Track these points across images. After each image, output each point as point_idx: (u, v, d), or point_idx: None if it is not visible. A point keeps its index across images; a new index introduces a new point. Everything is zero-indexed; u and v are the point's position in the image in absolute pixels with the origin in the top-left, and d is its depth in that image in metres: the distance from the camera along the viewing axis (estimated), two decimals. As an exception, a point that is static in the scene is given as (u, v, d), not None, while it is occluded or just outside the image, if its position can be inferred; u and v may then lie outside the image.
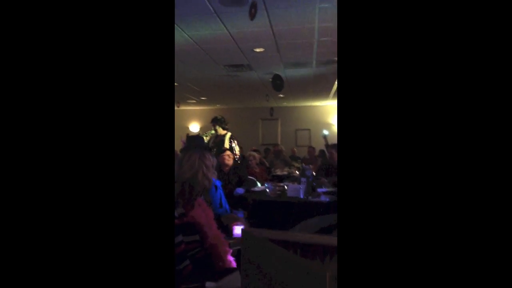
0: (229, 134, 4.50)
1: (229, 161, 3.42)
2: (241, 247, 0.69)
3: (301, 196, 2.73)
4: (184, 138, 1.81)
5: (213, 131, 4.61)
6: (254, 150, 5.31)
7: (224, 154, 3.42)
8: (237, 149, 4.36)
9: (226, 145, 4.27)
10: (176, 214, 1.29)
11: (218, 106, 10.32)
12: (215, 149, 4.21)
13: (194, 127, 10.72)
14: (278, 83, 4.81)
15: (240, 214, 2.59)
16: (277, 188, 2.94)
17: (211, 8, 2.97)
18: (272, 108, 8.69)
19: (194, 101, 9.15)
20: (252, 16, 2.45)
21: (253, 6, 2.43)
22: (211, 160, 1.45)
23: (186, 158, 1.41)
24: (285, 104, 9.62)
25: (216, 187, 2.57)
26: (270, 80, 5.39)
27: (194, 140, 1.50)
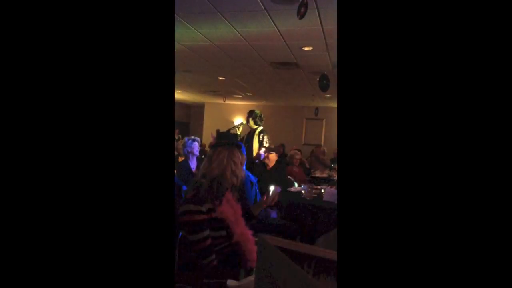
0: (259, 128, 4.41)
1: (272, 162, 3.46)
2: (256, 252, 0.69)
3: (337, 202, 2.64)
4: (214, 134, 1.84)
5: (243, 122, 4.59)
6: (296, 149, 5.26)
7: (269, 154, 3.47)
8: (266, 144, 4.28)
9: (255, 141, 4.23)
10: (204, 208, 1.31)
11: (263, 102, 10.36)
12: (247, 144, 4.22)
13: (239, 121, 10.88)
14: (324, 83, 4.70)
15: (274, 214, 2.58)
16: (314, 191, 2.89)
17: (261, 5, 2.97)
18: (317, 108, 8.54)
19: (240, 96, 9.27)
20: (302, 15, 2.41)
21: (303, 5, 2.39)
22: (240, 157, 1.45)
23: (215, 155, 1.43)
24: (331, 104, 9.40)
25: (252, 183, 2.58)
26: (317, 79, 5.29)
27: (224, 136, 1.51)
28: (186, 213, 1.31)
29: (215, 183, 1.39)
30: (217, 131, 4.82)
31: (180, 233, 1.49)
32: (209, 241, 1.30)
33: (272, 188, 2.77)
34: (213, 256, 1.31)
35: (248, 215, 1.58)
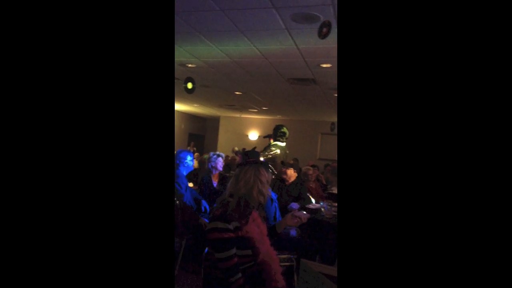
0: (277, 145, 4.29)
1: (292, 177, 3.46)
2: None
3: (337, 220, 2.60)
4: (236, 150, 1.84)
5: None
6: (312, 165, 5.23)
7: (289, 169, 3.46)
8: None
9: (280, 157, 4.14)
10: (231, 227, 1.32)
11: (279, 116, 10.40)
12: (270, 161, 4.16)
13: (253, 135, 10.93)
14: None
15: (293, 231, 2.56)
16: (333, 209, 2.86)
17: (282, 24, 3.03)
18: (333, 123, 8.51)
19: (256, 110, 9.34)
20: (324, 34, 2.45)
21: (325, 26, 2.43)
22: (266, 176, 1.46)
23: (242, 174, 1.44)
24: (347, 120, 9.36)
25: (272, 200, 2.58)
26: (335, 95, 5.31)
27: (250, 155, 1.53)
28: (213, 230, 1.33)
29: (242, 201, 1.40)
30: (243, 150, 4.76)
31: (206, 249, 1.50)
32: (235, 260, 1.31)
33: (290, 206, 2.75)
34: (239, 275, 1.31)
35: (272, 233, 1.58)
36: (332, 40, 3.31)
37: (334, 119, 8.88)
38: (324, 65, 4.26)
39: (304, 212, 1.78)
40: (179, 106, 9.83)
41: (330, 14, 2.71)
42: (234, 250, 1.31)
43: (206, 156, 3.64)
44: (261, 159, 4.14)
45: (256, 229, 1.42)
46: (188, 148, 10.75)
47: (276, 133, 3.86)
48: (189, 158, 3.03)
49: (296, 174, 3.54)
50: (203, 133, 13.24)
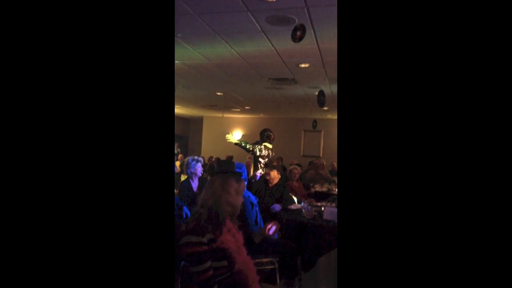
0: (258, 146, 4.39)
1: (275, 179, 3.46)
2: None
3: (337, 221, 2.65)
4: (214, 161, 1.85)
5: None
6: (296, 164, 5.27)
7: (272, 171, 3.46)
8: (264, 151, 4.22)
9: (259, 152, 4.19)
10: (205, 239, 1.32)
11: (261, 115, 10.41)
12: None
13: (237, 134, 10.91)
14: (321, 98, 4.75)
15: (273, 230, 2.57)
16: (314, 209, 2.89)
17: (258, 26, 3.03)
18: (315, 120, 8.58)
19: (238, 110, 9.32)
20: (298, 38, 2.45)
21: (298, 29, 2.43)
22: (235, 186, 1.45)
23: (210, 185, 1.44)
24: (329, 116, 9.45)
25: (252, 204, 2.58)
26: (316, 93, 5.35)
27: (222, 165, 1.52)
28: (187, 244, 1.32)
29: (213, 212, 1.40)
30: (217, 159, 4.78)
31: (183, 262, 1.49)
32: (210, 272, 1.31)
33: (272, 207, 2.76)
34: (215, 287, 1.31)
35: (250, 242, 1.58)
36: (308, 41, 3.33)
37: (316, 116, 8.96)
38: (303, 65, 4.28)
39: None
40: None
41: (305, 17, 2.73)
42: (209, 263, 1.31)
43: (184, 161, 3.61)
44: (258, 151, 4.20)
45: (231, 238, 1.42)
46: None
47: (263, 137, 4.24)
48: None
49: (279, 176, 3.55)
50: (186, 134, 13.13)
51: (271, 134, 4.29)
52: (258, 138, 4.50)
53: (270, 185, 3.50)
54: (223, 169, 1.47)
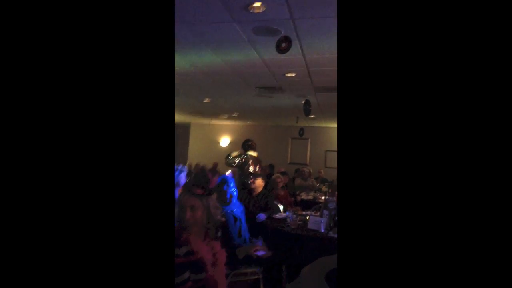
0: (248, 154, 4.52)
1: (259, 188, 3.46)
2: None
3: (322, 230, 2.67)
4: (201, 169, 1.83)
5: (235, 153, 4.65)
6: (282, 172, 5.29)
7: (256, 180, 3.46)
8: (251, 168, 4.34)
9: (250, 167, 4.28)
10: (181, 252, 1.31)
11: (249, 122, 10.43)
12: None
13: (225, 141, 10.90)
14: (307, 108, 4.81)
15: (259, 242, 2.57)
16: (298, 218, 2.91)
17: (243, 37, 3.06)
18: (302, 128, 8.65)
19: (226, 117, 9.32)
20: (283, 49, 2.48)
21: (283, 41, 2.47)
22: (214, 201, 1.45)
23: (180, 198, 1.44)
24: (316, 124, 9.54)
25: (235, 218, 2.55)
26: (302, 102, 5.41)
27: (196, 180, 1.51)
28: None
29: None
30: (195, 174, 4.86)
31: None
32: (189, 284, 1.30)
33: (258, 216, 2.75)
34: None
35: (234, 257, 1.58)
36: (294, 52, 3.37)
37: (303, 124, 9.04)
38: (289, 75, 4.33)
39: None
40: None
41: (290, 28, 2.77)
42: (187, 274, 1.30)
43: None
44: (235, 162, 4.28)
45: (207, 248, 1.41)
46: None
47: (246, 147, 4.47)
48: None
49: (263, 184, 3.55)
50: (174, 140, 13.04)
51: (252, 143, 4.61)
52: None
53: (254, 193, 3.49)
54: (198, 186, 1.46)
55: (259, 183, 3.53)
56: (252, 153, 4.50)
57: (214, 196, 1.45)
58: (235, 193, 2.69)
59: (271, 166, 7.86)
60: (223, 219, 1.52)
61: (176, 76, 4.71)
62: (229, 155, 4.51)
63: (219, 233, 1.50)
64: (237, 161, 4.32)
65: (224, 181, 2.68)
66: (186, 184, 1.42)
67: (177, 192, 3.39)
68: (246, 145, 4.54)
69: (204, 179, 1.47)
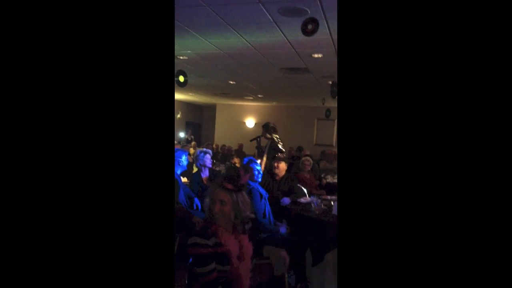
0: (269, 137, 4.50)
1: (282, 172, 3.45)
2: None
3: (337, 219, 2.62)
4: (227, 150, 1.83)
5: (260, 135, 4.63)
6: (307, 155, 5.25)
7: (281, 163, 3.45)
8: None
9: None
10: (210, 243, 1.34)
11: (274, 103, 10.34)
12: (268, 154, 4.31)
13: (250, 122, 10.91)
14: (334, 90, 4.67)
15: (283, 228, 2.59)
16: (323, 203, 2.89)
17: (269, 17, 2.98)
18: (328, 109, 8.47)
19: (251, 98, 9.28)
20: (309, 32, 2.39)
21: (310, 22, 2.37)
22: (245, 196, 1.45)
23: (211, 191, 1.45)
24: (343, 105, 9.32)
25: (261, 195, 2.59)
26: (330, 83, 5.27)
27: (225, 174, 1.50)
28: (193, 245, 1.35)
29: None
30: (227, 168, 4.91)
31: (191, 259, 1.52)
32: (214, 275, 1.33)
33: (282, 200, 2.76)
34: (219, 288, 1.34)
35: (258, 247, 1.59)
36: (321, 32, 3.25)
37: (330, 104, 8.84)
38: (316, 55, 4.20)
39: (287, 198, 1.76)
40: (174, 95, 9.75)
41: (318, 8, 2.66)
42: (213, 265, 1.33)
43: (193, 153, 3.66)
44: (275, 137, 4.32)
45: (235, 241, 1.43)
46: (186, 136, 10.73)
47: (268, 129, 4.37)
48: (183, 157, 3.03)
49: (286, 168, 3.53)
50: (200, 121, 13.20)
51: (274, 125, 4.57)
52: None
53: (277, 177, 3.48)
54: (234, 184, 1.44)
55: (283, 166, 3.52)
56: (275, 136, 4.47)
57: (244, 192, 1.46)
58: (261, 172, 2.78)
59: (300, 149, 7.79)
60: (252, 216, 1.53)
61: (201, 59, 4.71)
62: (257, 140, 4.48)
63: (248, 226, 1.51)
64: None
65: (251, 161, 2.77)
66: (217, 177, 1.44)
67: (206, 172, 3.46)
68: (270, 127, 4.46)
69: (236, 174, 1.48)
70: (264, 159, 4.19)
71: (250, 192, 2.53)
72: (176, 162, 2.99)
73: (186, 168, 3.14)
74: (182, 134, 11.01)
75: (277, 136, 4.48)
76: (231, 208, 1.39)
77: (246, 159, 2.85)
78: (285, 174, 3.47)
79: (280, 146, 4.35)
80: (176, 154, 3.02)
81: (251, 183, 2.63)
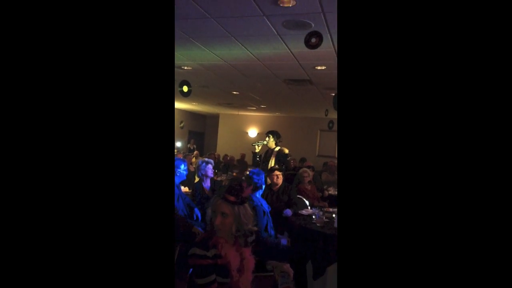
0: (277, 148, 4.49)
1: (278, 180, 3.42)
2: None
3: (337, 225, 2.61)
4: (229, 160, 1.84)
5: (265, 142, 4.62)
6: (308, 167, 5.24)
7: (273, 173, 3.43)
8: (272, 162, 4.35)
9: (272, 163, 4.27)
10: (209, 254, 1.33)
11: (277, 113, 10.38)
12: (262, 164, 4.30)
13: (253, 132, 10.93)
14: (337, 101, 4.69)
15: (284, 240, 2.58)
16: (325, 216, 2.88)
17: (273, 30, 3.02)
18: (331, 121, 8.48)
19: (254, 108, 9.33)
20: (313, 45, 2.42)
21: (313, 36, 2.41)
22: (248, 210, 1.44)
23: (213, 202, 1.45)
24: (346, 117, 9.34)
25: (264, 212, 2.59)
26: (332, 95, 5.30)
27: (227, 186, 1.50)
28: (192, 256, 1.35)
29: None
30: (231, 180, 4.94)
31: (191, 269, 1.52)
32: (215, 286, 1.32)
33: (285, 212, 2.76)
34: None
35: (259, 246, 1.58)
36: (325, 45, 3.29)
37: (332, 116, 8.86)
38: (319, 68, 4.24)
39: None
40: (178, 104, 9.82)
41: (321, 22, 2.70)
42: (213, 277, 1.32)
43: (195, 163, 3.65)
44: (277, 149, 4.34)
45: (235, 253, 1.42)
46: (188, 145, 10.75)
47: (279, 137, 4.48)
48: (182, 167, 3.03)
49: (282, 178, 3.51)
50: (202, 130, 13.25)
51: (279, 134, 4.59)
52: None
53: (274, 188, 3.46)
54: (238, 196, 1.43)
55: (281, 177, 3.50)
56: (273, 145, 4.51)
57: (246, 205, 1.45)
58: (264, 184, 2.79)
59: (303, 160, 7.78)
60: (255, 229, 1.52)
61: (204, 70, 4.75)
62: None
63: (251, 239, 1.49)
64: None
65: (254, 172, 2.79)
66: (220, 190, 1.44)
67: (208, 182, 3.46)
68: (279, 137, 4.47)
69: (239, 187, 1.47)
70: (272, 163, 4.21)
71: (254, 209, 2.53)
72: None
73: (185, 177, 3.14)
74: (179, 144, 11.00)
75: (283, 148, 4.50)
76: (232, 221, 1.38)
77: (252, 171, 2.87)
78: (282, 184, 3.46)
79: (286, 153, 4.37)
80: (175, 163, 3.02)
81: (255, 198, 2.63)
